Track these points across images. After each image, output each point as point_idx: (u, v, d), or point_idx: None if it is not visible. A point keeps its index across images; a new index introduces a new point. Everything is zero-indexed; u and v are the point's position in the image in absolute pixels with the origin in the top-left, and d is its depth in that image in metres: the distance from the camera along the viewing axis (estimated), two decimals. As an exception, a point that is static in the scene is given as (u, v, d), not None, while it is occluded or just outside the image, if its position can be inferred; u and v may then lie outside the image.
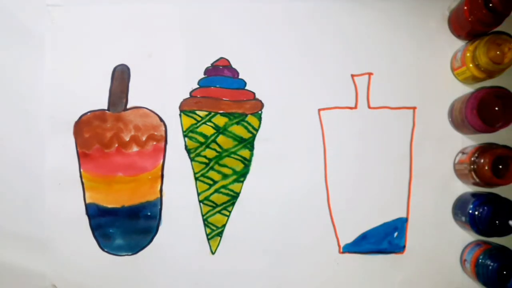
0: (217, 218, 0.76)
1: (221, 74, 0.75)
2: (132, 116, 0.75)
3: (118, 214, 0.75)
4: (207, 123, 0.75)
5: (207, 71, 0.76)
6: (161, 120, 0.76)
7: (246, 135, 0.75)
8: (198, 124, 0.75)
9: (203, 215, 0.76)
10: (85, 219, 0.76)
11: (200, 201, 0.76)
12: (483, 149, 0.69)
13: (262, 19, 0.75)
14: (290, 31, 0.75)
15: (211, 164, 0.76)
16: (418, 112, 0.75)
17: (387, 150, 0.75)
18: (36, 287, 0.76)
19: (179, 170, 0.75)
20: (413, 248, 0.74)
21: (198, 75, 0.76)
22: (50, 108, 0.76)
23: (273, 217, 0.75)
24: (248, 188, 0.75)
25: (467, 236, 0.74)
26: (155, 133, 0.75)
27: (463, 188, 0.74)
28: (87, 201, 0.76)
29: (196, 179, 0.76)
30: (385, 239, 0.75)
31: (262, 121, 0.75)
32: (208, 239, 0.76)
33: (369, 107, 0.75)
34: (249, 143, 0.75)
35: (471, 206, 0.69)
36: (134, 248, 0.76)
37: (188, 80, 0.76)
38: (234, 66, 0.76)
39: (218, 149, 0.75)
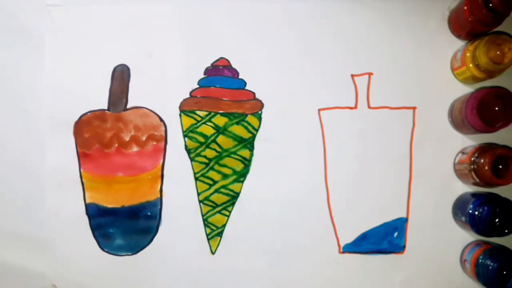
0: (217, 218, 0.76)
1: (221, 74, 0.75)
2: (132, 116, 0.75)
3: (118, 214, 0.75)
4: (207, 123, 0.75)
5: (207, 71, 0.76)
6: (161, 120, 0.76)
7: (246, 135, 0.75)
8: (198, 124, 0.75)
9: (203, 215, 0.76)
10: (85, 219, 0.76)
11: (200, 201, 0.76)
12: (483, 149, 0.69)
13: (262, 19, 0.75)
14: (290, 31, 0.75)
15: (211, 164, 0.76)
16: (418, 112, 0.75)
17: (387, 150, 0.75)
18: (36, 287, 0.76)
19: (179, 170, 0.75)
20: (413, 248, 0.74)
21: (198, 75, 0.76)
22: (50, 108, 0.76)
23: (273, 217, 0.75)
24: (248, 188, 0.75)
25: (467, 236, 0.74)
26: (155, 133, 0.75)
27: (463, 188, 0.74)
28: (87, 201, 0.76)
29: (196, 179, 0.76)
30: (385, 239, 0.75)
31: (262, 121, 0.75)
32: (208, 239, 0.76)
33: (369, 107, 0.75)
34: (249, 143, 0.75)
35: (471, 206, 0.69)
36: (134, 248, 0.76)
37: (188, 80, 0.76)
38: (234, 66, 0.76)
39: (218, 149, 0.75)
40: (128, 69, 0.76)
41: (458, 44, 0.74)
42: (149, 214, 0.75)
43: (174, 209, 0.75)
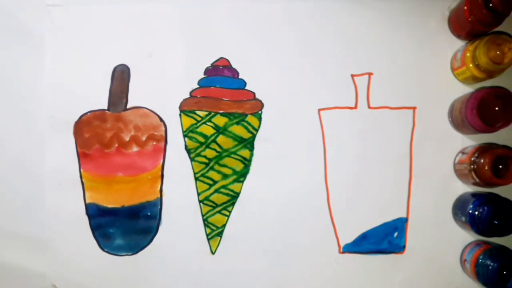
0: (217, 218, 0.76)
1: (221, 74, 0.75)
2: (132, 116, 0.75)
3: (118, 214, 0.75)
4: (207, 123, 0.75)
5: (207, 71, 0.76)
6: (161, 120, 0.76)
7: (246, 135, 0.75)
8: (198, 124, 0.75)
9: (203, 215, 0.76)
10: (85, 219, 0.76)
11: (200, 201, 0.76)
12: (483, 149, 0.69)
13: (262, 19, 0.75)
14: (290, 31, 0.75)
15: (211, 164, 0.76)
16: (418, 112, 0.75)
17: (387, 150, 0.75)
18: (36, 287, 0.76)
19: (179, 170, 0.75)
20: (413, 248, 0.74)
21: (198, 75, 0.76)
22: (50, 108, 0.76)
23: (273, 217, 0.75)
24: (248, 188, 0.75)
25: (467, 236, 0.74)
26: (155, 133, 0.75)
27: (463, 188, 0.74)
28: (87, 201, 0.76)
29: (196, 179, 0.76)
30: (385, 239, 0.75)
31: (262, 121, 0.75)
32: (208, 239, 0.76)
33: (369, 107, 0.75)
34: (249, 143, 0.75)
35: (471, 206, 0.69)
36: (134, 248, 0.76)
37: (188, 80, 0.76)
38: (234, 66, 0.76)
39: (218, 149, 0.75)
40: (128, 69, 0.76)
41: (458, 44, 0.74)
42: (149, 214, 0.75)
43: (174, 209, 0.75)
